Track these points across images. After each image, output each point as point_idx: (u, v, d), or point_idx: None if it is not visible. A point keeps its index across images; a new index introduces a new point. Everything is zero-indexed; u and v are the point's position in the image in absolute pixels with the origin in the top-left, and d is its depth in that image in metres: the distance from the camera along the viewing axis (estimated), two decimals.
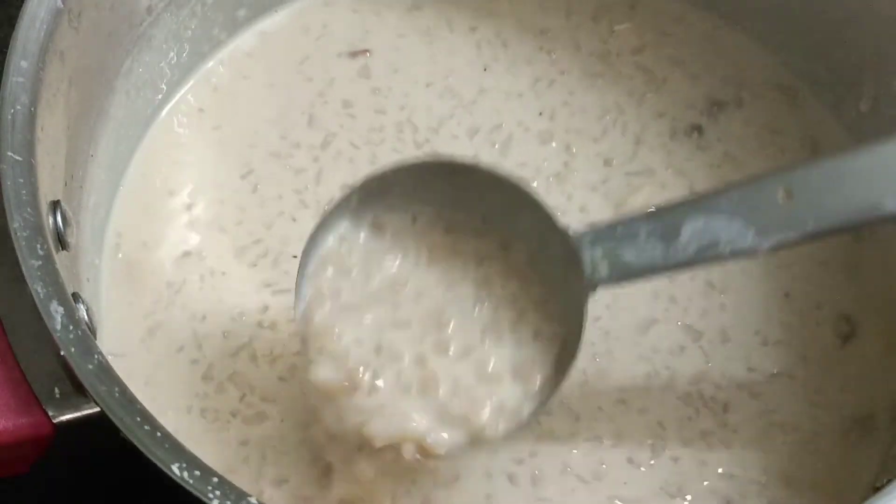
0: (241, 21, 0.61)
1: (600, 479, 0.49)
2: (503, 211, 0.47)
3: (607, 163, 0.58)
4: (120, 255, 0.54)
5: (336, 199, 0.46)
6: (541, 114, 0.59)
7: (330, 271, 0.47)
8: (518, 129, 0.59)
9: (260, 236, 0.55)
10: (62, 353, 0.39)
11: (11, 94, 0.44)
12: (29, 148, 0.43)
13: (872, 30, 0.56)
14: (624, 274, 0.46)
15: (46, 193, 0.44)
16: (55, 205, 0.45)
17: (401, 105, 0.59)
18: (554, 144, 0.58)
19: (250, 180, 0.56)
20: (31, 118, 0.44)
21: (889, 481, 0.44)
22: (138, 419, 0.38)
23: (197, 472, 0.37)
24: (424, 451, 0.45)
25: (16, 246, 0.41)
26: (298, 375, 0.51)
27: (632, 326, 0.53)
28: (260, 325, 0.52)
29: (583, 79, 0.61)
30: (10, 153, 0.43)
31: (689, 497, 0.49)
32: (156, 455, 0.37)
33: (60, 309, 0.40)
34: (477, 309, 0.47)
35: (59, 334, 0.40)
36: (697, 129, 0.59)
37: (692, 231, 0.44)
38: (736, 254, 0.44)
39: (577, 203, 0.56)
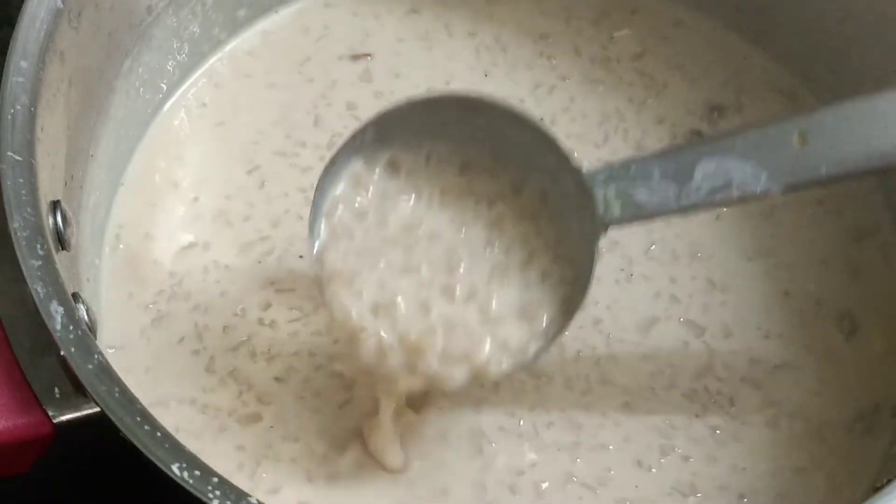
0: (241, 21, 0.61)
1: (605, 485, 0.49)
2: (517, 148, 0.47)
3: None
4: (121, 247, 0.54)
5: (350, 133, 0.46)
6: (541, 120, 0.59)
7: (344, 211, 0.47)
8: None
9: (267, 233, 0.55)
10: (62, 353, 0.39)
11: (11, 94, 0.44)
12: (29, 148, 0.43)
13: (873, 31, 0.56)
14: (636, 213, 0.46)
15: (46, 193, 0.44)
16: (55, 205, 0.45)
17: None
18: None
19: (256, 176, 0.56)
20: (31, 118, 0.44)
21: (889, 481, 0.44)
22: (138, 419, 0.38)
23: (197, 472, 0.37)
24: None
25: (16, 246, 0.41)
26: (294, 378, 0.51)
27: (633, 327, 0.53)
28: (260, 322, 0.52)
29: (583, 84, 0.61)
30: (10, 153, 0.43)
31: (699, 494, 0.49)
32: (156, 455, 0.37)
33: (60, 309, 0.40)
34: (488, 250, 0.47)
35: (59, 334, 0.40)
36: (698, 134, 0.59)
37: (705, 172, 0.45)
38: (748, 196, 0.44)
39: None
